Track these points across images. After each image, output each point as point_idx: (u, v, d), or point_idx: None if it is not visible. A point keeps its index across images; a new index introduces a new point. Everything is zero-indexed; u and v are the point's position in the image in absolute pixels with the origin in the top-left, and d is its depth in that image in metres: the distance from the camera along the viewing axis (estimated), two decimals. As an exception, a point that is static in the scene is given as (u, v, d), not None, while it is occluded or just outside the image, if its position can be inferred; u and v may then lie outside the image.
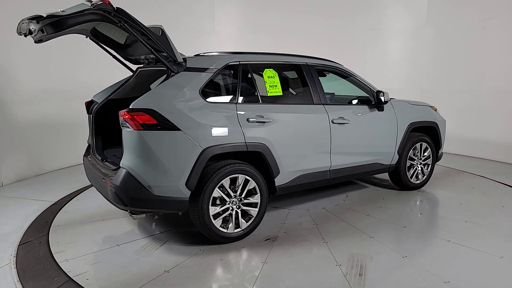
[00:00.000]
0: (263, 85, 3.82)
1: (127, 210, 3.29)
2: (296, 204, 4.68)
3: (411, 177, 5.09)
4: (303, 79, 4.21)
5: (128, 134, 3.14)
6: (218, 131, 3.37)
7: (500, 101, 6.96)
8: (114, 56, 4.16)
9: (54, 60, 6.20)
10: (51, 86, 6.21)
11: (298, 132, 3.91)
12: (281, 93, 3.92)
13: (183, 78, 3.38)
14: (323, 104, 4.17)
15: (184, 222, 4.13)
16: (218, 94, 3.85)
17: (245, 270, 3.14)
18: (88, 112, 4.11)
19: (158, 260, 3.28)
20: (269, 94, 3.83)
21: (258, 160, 3.70)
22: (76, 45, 6.32)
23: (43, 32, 2.83)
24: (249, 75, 3.78)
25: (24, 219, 4.24)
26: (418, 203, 4.79)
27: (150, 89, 4.41)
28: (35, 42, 3.12)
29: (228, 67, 3.68)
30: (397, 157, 4.87)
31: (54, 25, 2.83)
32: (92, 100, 4.20)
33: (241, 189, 3.55)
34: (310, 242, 3.60)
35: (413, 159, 5.07)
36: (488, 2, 6.95)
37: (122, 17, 2.94)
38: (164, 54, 3.34)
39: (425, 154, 5.17)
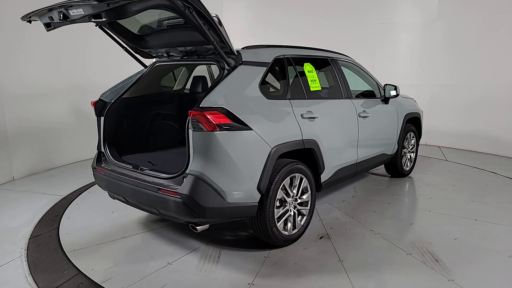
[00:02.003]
0: (305, 80, 3.75)
1: (192, 223, 2.97)
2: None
3: (403, 165, 5.44)
4: (333, 73, 4.24)
5: (200, 136, 2.76)
6: (283, 129, 3.21)
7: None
8: (125, 49, 3.77)
9: (64, 55, 6.22)
10: (61, 81, 6.23)
11: (337, 126, 3.92)
12: (320, 88, 3.90)
13: (244, 73, 3.13)
14: (350, 98, 4.24)
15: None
16: (272, 89, 3.72)
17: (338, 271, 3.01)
18: (97, 113, 3.60)
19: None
20: (311, 89, 3.76)
21: (306, 157, 3.57)
22: (85, 40, 6.41)
23: (100, 18, 2.54)
24: (294, 70, 3.67)
25: (35, 212, 4.28)
26: (418, 187, 5.25)
27: (161, 85, 4.33)
28: (48, 30, 2.94)
29: (276, 61, 3.49)
30: (396, 147, 5.14)
31: (119, 11, 2.50)
32: (100, 99, 3.65)
33: (296, 189, 3.42)
34: (363, 235, 3.63)
35: (404, 148, 5.39)
36: (500, -4, 6.82)
37: (192, 4, 2.59)
38: (223, 45, 3.03)
39: (412, 142, 5.55)
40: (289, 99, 3.43)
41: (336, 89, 4.16)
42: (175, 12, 2.70)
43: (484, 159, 6.80)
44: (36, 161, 5.94)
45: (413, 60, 8.15)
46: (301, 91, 3.64)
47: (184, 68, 4.49)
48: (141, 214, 4.11)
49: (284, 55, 3.58)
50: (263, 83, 3.25)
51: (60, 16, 2.71)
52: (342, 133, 4.00)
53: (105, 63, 6.77)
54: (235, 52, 3.13)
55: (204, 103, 2.78)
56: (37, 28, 5.62)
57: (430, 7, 7.76)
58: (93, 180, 5.27)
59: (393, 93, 4.76)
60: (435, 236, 3.59)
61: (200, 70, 4.73)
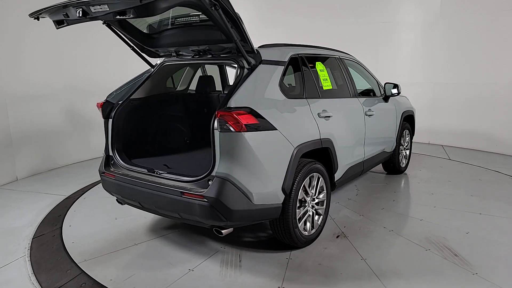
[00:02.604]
0: (318, 79, 3.73)
1: (217, 226, 2.86)
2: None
3: (400, 162, 5.51)
4: (341, 72, 4.23)
5: (227, 136, 2.66)
6: (303, 128, 3.18)
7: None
8: (132, 48, 3.60)
9: (66, 56, 6.20)
10: (63, 81, 6.22)
11: (348, 125, 3.92)
12: (331, 87, 3.88)
13: (265, 72, 3.06)
14: (356, 97, 4.26)
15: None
16: (290, 88, 3.62)
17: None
18: (105, 115, 3.44)
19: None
20: (324, 88, 3.74)
21: (322, 157, 3.53)
22: (87, 40, 6.39)
23: (125, 15, 2.42)
24: (307, 68, 3.64)
25: (38, 213, 4.26)
26: (416, 184, 5.32)
27: (165, 85, 4.15)
28: (59, 27, 2.79)
29: (291, 59, 3.44)
30: (395, 144, 5.18)
31: (149, 8, 2.37)
32: (107, 101, 3.49)
33: (315, 188, 3.39)
34: (378, 233, 3.65)
35: (401, 145, 5.43)
36: (503, -6, 6.77)
37: (220, 1, 2.49)
38: (244, 43, 2.94)
39: (407, 140, 5.62)
40: (306, 98, 3.39)
41: (344, 88, 4.14)
42: (199, 9, 2.61)
43: (487, 158, 6.75)
44: (39, 161, 5.91)
45: (415, 59, 8.11)
46: (315, 90, 3.60)
47: (188, 68, 4.38)
48: (147, 219, 4.02)
49: (298, 53, 3.54)
50: (281, 82, 3.20)
51: (79, 13, 2.56)
52: (352, 131, 3.99)
53: (107, 64, 6.76)
54: (255, 51, 3.07)
55: (231, 103, 2.68)
56: (38, 29, 5.63)
57: (432, 6, 7.72)
58: (96, 180, 5.33)
59: (394, 91, 4.78)
60: (447, 231, 3.64)
61: (209, 69, 4.68)
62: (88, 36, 6.38)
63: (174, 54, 3.60)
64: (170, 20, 3.20)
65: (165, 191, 2.89)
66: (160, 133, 4.00)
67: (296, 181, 3.05)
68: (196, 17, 2.95)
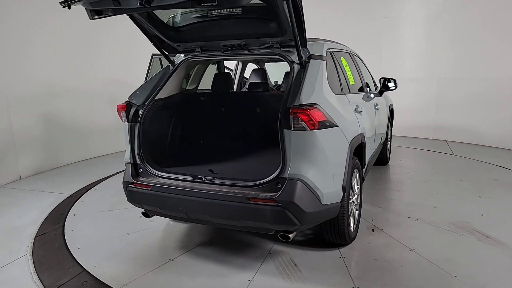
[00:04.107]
0: (345, 74, 3.65)
1: (284, 231, 2.68)
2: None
3: (386, 153, 5.65)
4: (356, 67, 4.20)
5: (301, 135, 2.51)
6: (351, 123, 3.08)
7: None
8: (154, 44, 3.23)
9: (69, 55, 6.20)
10: (66, 80, 6.21)
11: (370, 119, 3.91)
12: (353, 82, 3.84)
13: (316, 67, 2.90)
14: (367, 92, 4.30)
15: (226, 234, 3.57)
16: (332, 83, 3.50)
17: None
18: (129, 119, 3.08)
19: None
20: (351, 83, 3.68)
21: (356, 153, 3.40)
22: (90, 40, 6.40)
23: (209, 2, 2.18)
24: (338, 63, 3.55)
25: (41, 211, 4.27)
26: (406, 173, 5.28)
27: (184, 82, 3.79)
28: (94, 18, 2.41)
29: (327, 54, 3.30)
30: (385, 136, 5.20)
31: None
32: (129, 103, 3.12)
33: (356, 184, 3.33)
34: (407, 223, 3.68)
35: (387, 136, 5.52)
36: (508, -14, 6.66)
37: None
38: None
39: (389, 132, 5.71)
40: (344, 93, 3.32)
41: (359, 82, 4.11)
42: (264, 1, 2.43)
43: (491, 152, 6.63)
44: (42, 160, 5.93)
45: (419, 54, 8.00)
46: (346, 85, 3.53)
47: (199, 65, 3.96)
48: (161, 231, 3.67)
49: (330, 48, 3.42)
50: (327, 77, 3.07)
51: (141, 1, 2.20)
52: (371, 126, 3.97)
53: (111, 63, 6.75)
54: (306, 45, 2.91)
55: (302, 99, 2.53)
56: (41, 29, 5.68)
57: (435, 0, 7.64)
58: (100, 178, 5.35)
59: (391, 85, 4.77)
60: (465, 215, 3.80)
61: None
62: (92, 37, 6.38)
63: (199, 50, 3.27)
64: (202, 13, 2.91)
65: (224, 199, 2.63)
66: (194, 136, 3.77)
67: (350, 177, 2.98)
68: (238, 8, 2.73)
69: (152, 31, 3.05)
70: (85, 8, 2.46)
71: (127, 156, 3.10)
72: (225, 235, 3.56)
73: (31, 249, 3.39)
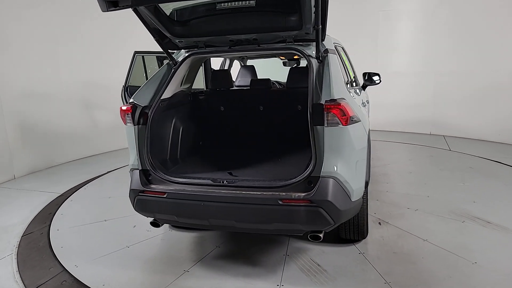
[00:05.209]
0: (347, 68, 3.58)
1: (316, 232, 2.51)
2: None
3: None
4: (348, 61, 4.08)
5: (334, 131, 2.36)
6: (365, 118, 2.95)
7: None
8: (157, 40, 2.88)
9: (63, 53, 6.01)
10: (61, 78, 6.03)
11: (366, 114, 3.77)
12: (352, 76, 3.82)
13: (334, 61, 2.78)
14: (359, 86, 4.20)
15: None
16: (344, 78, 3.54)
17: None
18: (136, 121, 2.73)
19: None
20: (351, 78, 3.62)
21: None
22: (84, 37, 6.23)
23: None
24: (341, 57, 3.43)
25: (31, 210, 4.11)
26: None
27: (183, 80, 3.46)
28: (110, 10, 2.20)
29: (334, 48, 3.20)
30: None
31: None
32: (134, 104, 2.76)
33: None
34: (410, 215, 3.62)
35: None
36: (507, -23, 6.34)
37: None
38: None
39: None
40: (353, 87, 3.25)
41: (352, 77, 3.99)
42: None
43: (489, 147, 6.32)
44: (37, 159, 5.73)
45: (416, 47, 7.65)
46: (350, 80, 3.44)
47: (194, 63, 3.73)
48: (162, 240, 3.33)
49: (334, 42, 3.28)
50: None
51: None
52: (367, 120, 3.89)
53: (104, 61, 6.52)
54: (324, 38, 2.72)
55: (333, 94, 2.38)
56: (34, 26, 5.49)
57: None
58: (92, 176, 5.17)
59: (376, 79, 4.40)
60: (459, 203, 3.83)
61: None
62: (86, 35, 6.21)
63: (202, 45, 2.97)
64: (208, 6, 2.66)
65: (253, 202, 2.42)
66: (201, 137, 3.56)
67: (369, 173, 2.90)
68: (254, 0, 2.51)
69: (154, 25, 2.72)
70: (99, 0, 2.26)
71: (133, 162, 2.74)
72: (233, 240, 3.26)
73: (17, 248, 3.26)
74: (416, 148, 6.45)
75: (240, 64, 5.54)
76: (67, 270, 2.84)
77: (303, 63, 4.74)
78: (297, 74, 3.40)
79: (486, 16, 6.62)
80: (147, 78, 3.87)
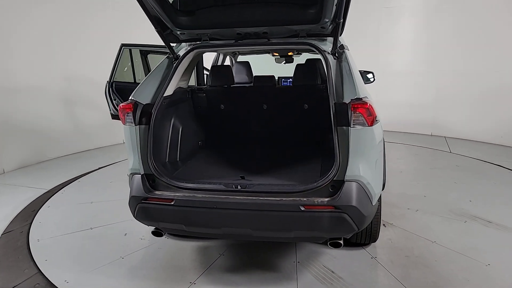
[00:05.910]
0: None
1: (336, 239, 2.34)
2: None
3: None
4: None
5: (360, 132, 2.18)
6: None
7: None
8: (158, 31, 2.56)
9: (53, 47, 5.79)
10: (51, 72, 5.80)
11: None
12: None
13: (351, 58, 2.62)
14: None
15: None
16: None
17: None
18: (137, 121, 2.44)
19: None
20: None
21: None
22: (77, 33, 6.09)
23: None
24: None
25: (15, 207, 3.84)
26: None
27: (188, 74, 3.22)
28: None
29: None
30: None
31: None
32: (135, 102, 2.46)
33: None
34: (412, 216, 3.52)
35: None
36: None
37: None
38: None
39: None
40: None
41: None
42: None
43: (488, 149, 6.03)
44: (27, 154, 5.50)
45: (418, 46, 7.32)
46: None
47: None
48: (160, 249, 2.99)
49: None
50: None
51: None
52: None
53: (95, 55, 6.28)
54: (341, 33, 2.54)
55: (359, 93, 2.23)
56: (26, 20, 5.30)
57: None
58: (82, 172, 4.95)
59: (370, 77, 4.28)
60: (457, 202, 3.77)
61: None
62: (78, 28, 6.02)
63: (207, 38, 2.70)
64: None
65: (272, 208, 2.22)
66: (205, 136, 3.34)
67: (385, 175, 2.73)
68: None
69: (156, 13, 2.43)
70: None
71: (134, 166, 2.45)
72: (236, 247, 2.98)
73: (-6, 246, 3.02)
74: (417, 149, 6.20)
75: (231, 60, 5.24)
76: (41, 272, 2.61)
77: (298, 60, 4.40)
78: (304, 71, 3.20)
79: (491, 15, 6.32)
80: (134, 74, 3.51)
